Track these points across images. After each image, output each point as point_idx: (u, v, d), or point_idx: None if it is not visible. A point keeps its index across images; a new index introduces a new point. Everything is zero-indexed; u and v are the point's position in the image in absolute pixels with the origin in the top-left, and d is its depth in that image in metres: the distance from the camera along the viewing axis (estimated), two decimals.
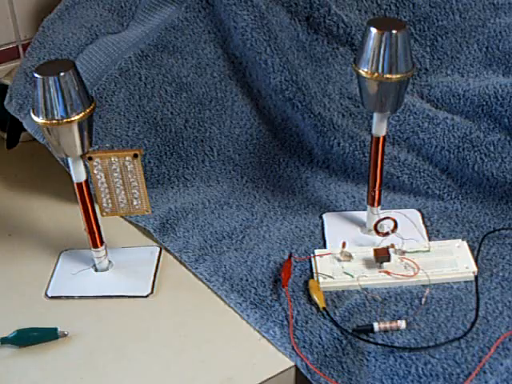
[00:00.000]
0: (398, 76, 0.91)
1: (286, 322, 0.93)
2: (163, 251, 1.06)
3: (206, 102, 1.18)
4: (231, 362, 0.89)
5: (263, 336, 0.92)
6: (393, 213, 1.05)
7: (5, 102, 1.15)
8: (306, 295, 0.96)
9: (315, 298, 0.95)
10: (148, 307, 0.98)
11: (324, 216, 1.09)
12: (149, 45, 1.16)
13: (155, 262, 1.03)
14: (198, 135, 1.16)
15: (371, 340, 0.90)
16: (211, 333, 0.93)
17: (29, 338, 0.93)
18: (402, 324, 0.91)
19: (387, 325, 0.91)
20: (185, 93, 1.16)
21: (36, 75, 0.85)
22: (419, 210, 1.10)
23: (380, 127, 0.98)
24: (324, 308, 0.93)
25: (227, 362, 0.89)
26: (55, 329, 0.93)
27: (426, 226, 1.06)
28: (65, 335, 0.94)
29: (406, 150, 1.13)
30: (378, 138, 0.98)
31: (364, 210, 1.09)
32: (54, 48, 1.17)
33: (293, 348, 0.90)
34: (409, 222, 1.05)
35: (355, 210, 1.11)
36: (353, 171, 1.15)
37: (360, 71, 0.91)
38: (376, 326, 0.91)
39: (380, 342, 0.89)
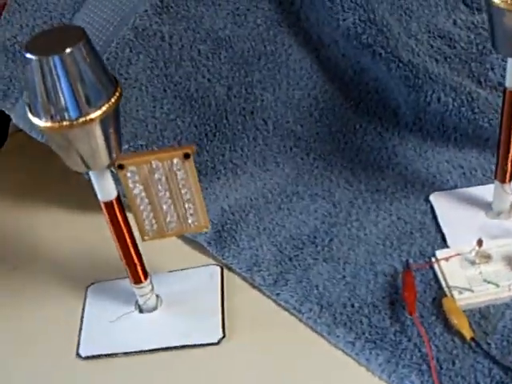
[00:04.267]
0: None
1: (425, 366, 0.66)
2: (226, 271, 0.76)
3: (252, 60, 0.90)
4: None
5: None
6: None
7: None
8: (441, 320, 0.69)
9: (457, 324, 0.67)
10: (222, 358, 0.71)
11: (432, 198, 0.81)
12: None
13: (218, 289, 0.75)
14: (245, 106, 0.89)
15: None
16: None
17: None
18: None
19: None
20: (224, 51, 0.88)
21: (28, 55, 0.56)
22: None
23: None
24: (472, 338, 0.65)
25: None
26: None
27: None
28: None
29: None
30: None
31: (479, 184, 0.83)
32: (38, 10, 0.87)
33: None
34: None
35: (468, 186, 0.83)
36: (455, 133, 0.87)
37: None
38: None
39: None
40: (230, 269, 0.78)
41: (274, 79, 0.88)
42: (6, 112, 0.85)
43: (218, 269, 0.78)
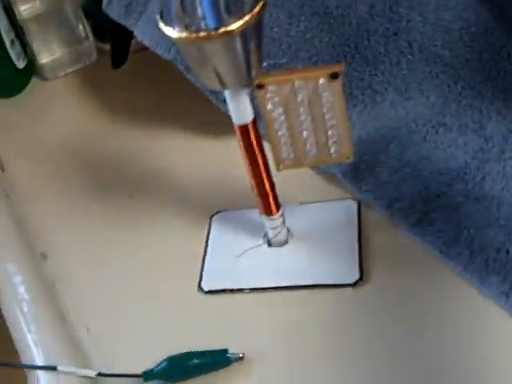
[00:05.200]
0: None
1: None
2: (363, 207, 0.68)
3: None
4: None
5: None
6: None
7: (103, 5, 0.78)
8: None
9: None
10: (357, 302, 0.64)
11: None
12: None
13: (355, 226, 0.68)
14: (389, 26, 0.80)
15: None
16: (467, 343, 0.59)
17: (186, 369, 0.60)
18: None
19: None
20: None
21: None
22: None
23: None
24: None
25: None
26: (225, 351, 0.59)
27: None
28: (240, 359, 0.61)
29: None
30: None
31: None
32: None
33: None
34: None
35: None
36: None
37: None
38: None
39: None
40: (367, 204, 0.70)
41: None
42: (129, 28, 0.79)
43: (355, 204, 0.71)
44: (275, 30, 0.77)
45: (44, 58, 0.99)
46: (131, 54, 0.89)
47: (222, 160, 0.76)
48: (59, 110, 0.93)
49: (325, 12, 0.78)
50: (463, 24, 0.80)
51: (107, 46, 0.93)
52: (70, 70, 1.00)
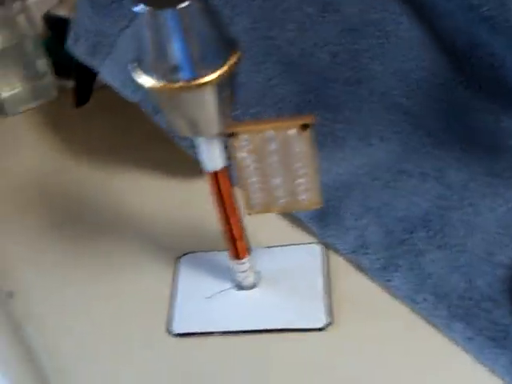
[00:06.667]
0: None
1: None
2: (329, 251, 0.71)
3: (360, 27, 0.82)
4: None
5: None
6: None
7: (68, 43, 0.78)
8: None
9: None
10: (326, 346, 0.66)
11: None
12: None
13: (322, 270, 0.70)
14: (351, 74, 0.82)
15: None
16: None
17: None
18: None
19: None
20: (332, 15, 0.81)
21: (137, 8, 0.50)
22: None
23: None
24: None
25: None
26: None
27: None
28: None
29: None
30: None
31: None
32: None
33: None
34: None
35: None
36: None
37: None
38: None
39: None
40: (333, 249, 0.72)
41: (382, 48, 0.82)
42: (95, 68, 0.79)
43: (321, 248, 0.72)
44: (241, 75, 0.78)
45: (4, 92, 0.98)
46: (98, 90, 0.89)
47: (190, 200, 0.77)
48: (18, 146, 0.93)
49: (289, 60, 0.79)
50: (422, 74, 0.83)
51: (67, 83, 0.94)
52: (31, 105, 1.00)
